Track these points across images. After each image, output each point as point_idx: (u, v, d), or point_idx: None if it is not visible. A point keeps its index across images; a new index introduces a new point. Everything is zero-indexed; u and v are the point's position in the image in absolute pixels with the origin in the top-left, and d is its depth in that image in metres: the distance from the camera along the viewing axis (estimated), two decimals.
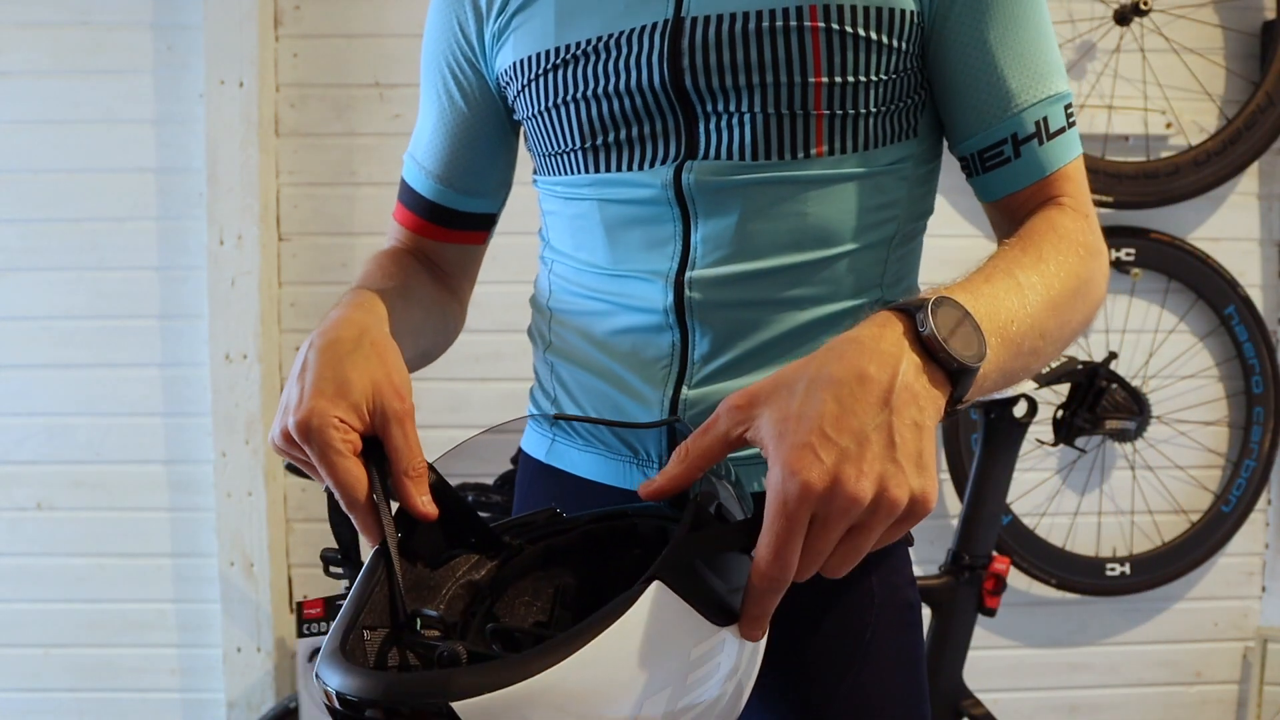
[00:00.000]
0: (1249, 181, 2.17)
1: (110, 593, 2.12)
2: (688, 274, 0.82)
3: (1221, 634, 2.23)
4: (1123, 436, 2.05)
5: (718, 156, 0.81)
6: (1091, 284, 0.77)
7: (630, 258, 0.85)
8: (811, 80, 0.79)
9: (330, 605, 1.74)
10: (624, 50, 0.82)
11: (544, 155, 0.91)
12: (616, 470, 0.88)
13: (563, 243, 0.91)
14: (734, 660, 0.63)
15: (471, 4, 0.92)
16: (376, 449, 0.71)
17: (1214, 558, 2.19)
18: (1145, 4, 2.01)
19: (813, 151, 0.80)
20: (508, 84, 0.91)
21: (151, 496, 2.11)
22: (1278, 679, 2.17)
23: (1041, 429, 1.93)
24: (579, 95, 0.84)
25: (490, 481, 1.81)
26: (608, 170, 0.85)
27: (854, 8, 0.78)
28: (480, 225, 1.01)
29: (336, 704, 0.58)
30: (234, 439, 2.05)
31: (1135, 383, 2.12)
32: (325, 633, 1.37)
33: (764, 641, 0.65)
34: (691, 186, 0.82)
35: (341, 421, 0.68)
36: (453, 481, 0.74)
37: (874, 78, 0.80)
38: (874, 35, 0.79)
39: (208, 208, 2.03)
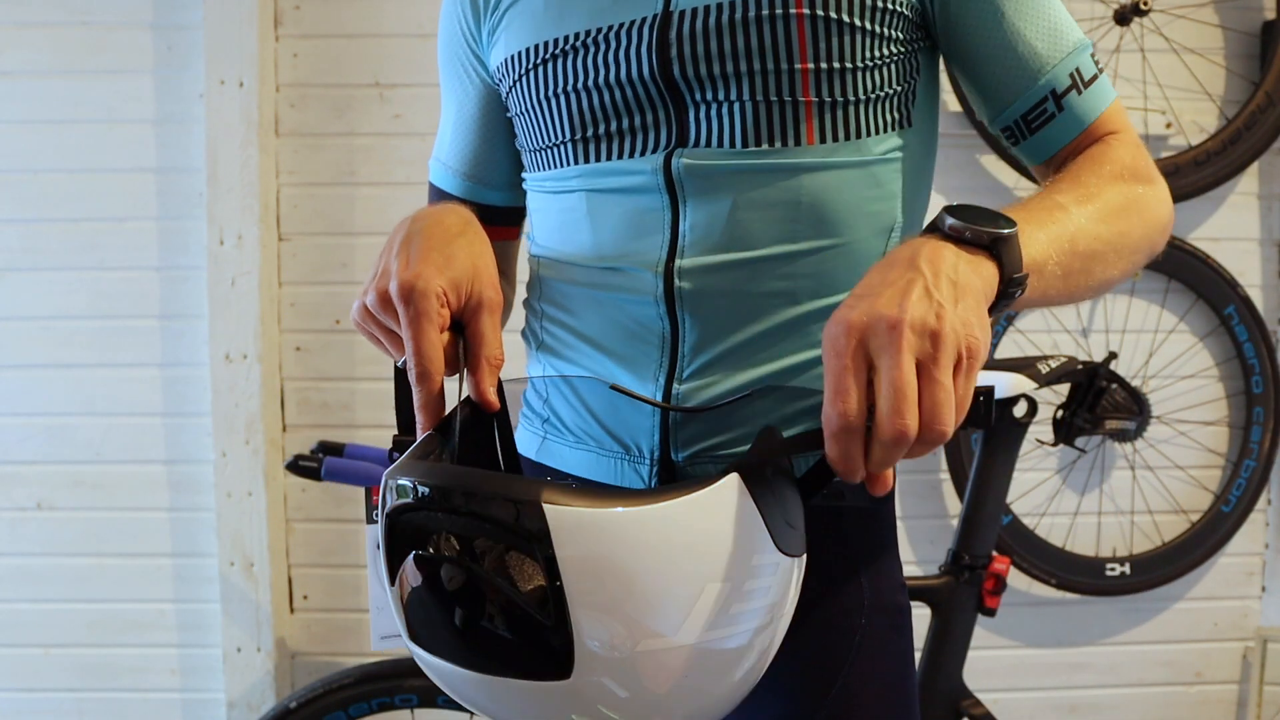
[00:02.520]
0: (1249, 181, 2.17)
1: (110, 593, 2.12)
2: (677, 262, 0.82)
3: (1221, 634, 2.23)
4: (1123, 436, 2.04)
5: (708, 144, 0.82)
6: (1142, 203, 0.81)
7: (618, 248, 0.85)
8: (799, 67, 0.80)
9: None
10: (613, 44, 0.83)
11: (534, 150, 0.91)
12: (608, 467, 0.88)
13: (549, 239, 0.91)
14: (780, 593, 0.64)
15: (470, 3, 0.93)
16: (457, 334, 0.74)
17: (1214, 558, 2.19)
18: (1145, 4, 2.00)
19: (804, 139, 0.81)
20: (501, 80, 0.92)
21: (151, 496, 2.11)
22: (1278, 679, 2.17)
23: (1041, 429, 1.93)
24: (569, 88, 0.85)
25: None
26: (598, 160, 0.85)
27: None
28: (511, 220, 1.03)
29: (420, 493, 0.58)
30: (234, 439, 2.05)
31: (1135, 383, 2.12)
32: None
33: (790, 607, 0.67)
34: (681, 171, 0.82)
35: (444, 293, 0.71)
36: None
37: (861, 64, 0.80)
38: (859, 21, 0.79)
39: (208, 208, 2.03)
